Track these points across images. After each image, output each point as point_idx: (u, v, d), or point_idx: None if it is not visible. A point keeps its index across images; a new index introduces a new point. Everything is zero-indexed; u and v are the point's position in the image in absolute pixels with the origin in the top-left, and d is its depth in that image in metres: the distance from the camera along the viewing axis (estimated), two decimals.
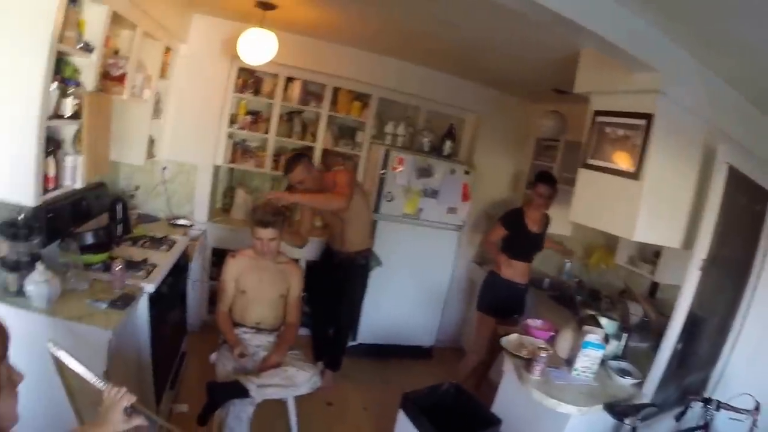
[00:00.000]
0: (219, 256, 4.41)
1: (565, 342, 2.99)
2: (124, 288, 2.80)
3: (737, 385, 2.97)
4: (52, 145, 2.58)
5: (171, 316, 3.50)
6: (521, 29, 2.95)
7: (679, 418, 2.73)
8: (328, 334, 4.50)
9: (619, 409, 2.52)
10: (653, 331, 3.36)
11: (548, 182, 4.08)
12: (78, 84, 2.67)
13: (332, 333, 4.46)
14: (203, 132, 4.57)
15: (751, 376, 3.05)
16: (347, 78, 4.84)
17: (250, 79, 4.75)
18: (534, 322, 3.31)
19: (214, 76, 4.48)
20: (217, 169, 4.86)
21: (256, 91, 4.81)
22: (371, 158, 5.05)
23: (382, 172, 4.64)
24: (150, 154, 4.11)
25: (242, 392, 2.87)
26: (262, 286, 3.37)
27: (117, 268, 2.79)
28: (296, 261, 3.76)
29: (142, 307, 2.90)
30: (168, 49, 4.00)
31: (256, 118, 4.90)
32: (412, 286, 5.06)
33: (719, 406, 2.61)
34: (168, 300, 3.34)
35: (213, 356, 3.28)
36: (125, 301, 2.66)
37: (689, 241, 2.86)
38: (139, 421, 1.59)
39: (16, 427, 1.23)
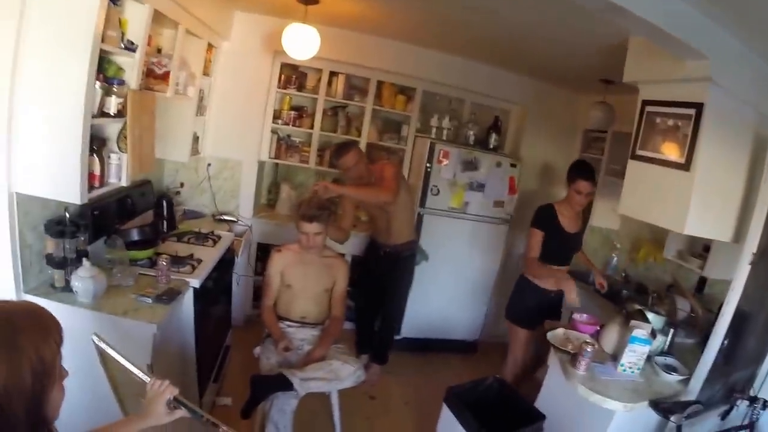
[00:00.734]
0: (264, 252, 4.47)
1: (610, 337, 2.91)
2: (170, 283, 2.85)
3: None
4: (97, 144, 2.63)
5: (216, 311, 3.56)
6: (567, 17, 2.85)
7: (724, 416, 2.65)
8: (373, 328, 4.50)
9: (664, 407, 2.43)
10: (700, 327, 3.28)
11: (590, 178, 3.52)
12: (122, 82, 2.71)
13: (379, 327, 4.46)
14: (247, 128, 4.60)
15: None
16: (391, 71, 4.80)
17: (293, 75, 4.76)
18: (580, 317, 3.21)
19: (257, 73, 4.50)
20: (261, 164, 4.90)
21: (300, 87, 4.82)
22: (416, 152, 5.00)
23: (428, 165, 4.59)
24: (194, 151, 4.18)
25: (286, 385, 2.88)
26: (307, 281, 3.38)
27: (162, 264, 2.84)
28: (342, 255, 3.76)
29: (187, 301, 2.95)
30: (211, 47, 4.04)
31: (301, 114, 4.91)
32: (458, 280, 4.99)
33: (765, 404, 2.52)
34: (213, 295, 3.39)
35: (257, 350, 3.31)
36: (170, 296, 2.70)
37: (740, 235, 2.77)
38: (181, 413, 1.60)
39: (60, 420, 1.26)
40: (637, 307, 3.09)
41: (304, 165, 4.99)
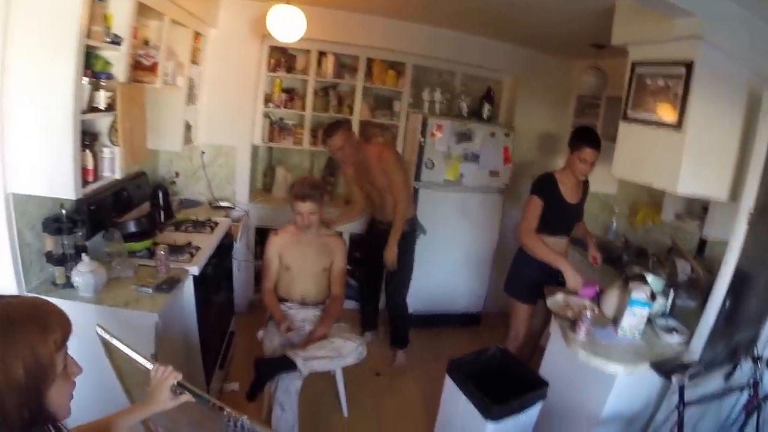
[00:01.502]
0: (263, 236, 4.47)
1: (611, 301, 2.92)
2: (169, 272, 2.88)
3: None
4: (88, 139, 2.65)
5: (217, 297, 3.59)
6: None
7: (728, 377, 2.66)
8: (377, 306, 4.54)
9: (666, 368, 2.44)
10: (701, 289, 3.22)
11: (596, 145, 3.33)
12: (110, 76, 2.72)
13: (390, 313, 4.47)
14: (239, 113, 4.59)
15: None
16: (379, 48, 4.78)
17: (282, 58, 4.74)
18: None
19: (246, 58, 4.48)
20: (255, 149, 4.91)
21: (290, 69, 4.80)
22: (409, 127, 4.99)
23: (421, 139, 4.59)
24: (187, 140, 4.18)
25: (289, 366, 2.93)
26: (305, 261, 3.41)
27: (161, 254, 2.87)
28: (339, 234, 3.78)
29: (188, 289, 2.98)
30: (198, 35, 4.02)
31: (292, 96, 4.90)
32: (458, 253, 5.01)
33: None
34: (214, 281, 3.42)
35: (260, 333, 3.36)
36: (170, 284, 2.73)
37: (736, 193, 2.74)
38: (186, 398, 1.61)
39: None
40: (637, 270, 3.09)
41: (298, 147, 4.99)
